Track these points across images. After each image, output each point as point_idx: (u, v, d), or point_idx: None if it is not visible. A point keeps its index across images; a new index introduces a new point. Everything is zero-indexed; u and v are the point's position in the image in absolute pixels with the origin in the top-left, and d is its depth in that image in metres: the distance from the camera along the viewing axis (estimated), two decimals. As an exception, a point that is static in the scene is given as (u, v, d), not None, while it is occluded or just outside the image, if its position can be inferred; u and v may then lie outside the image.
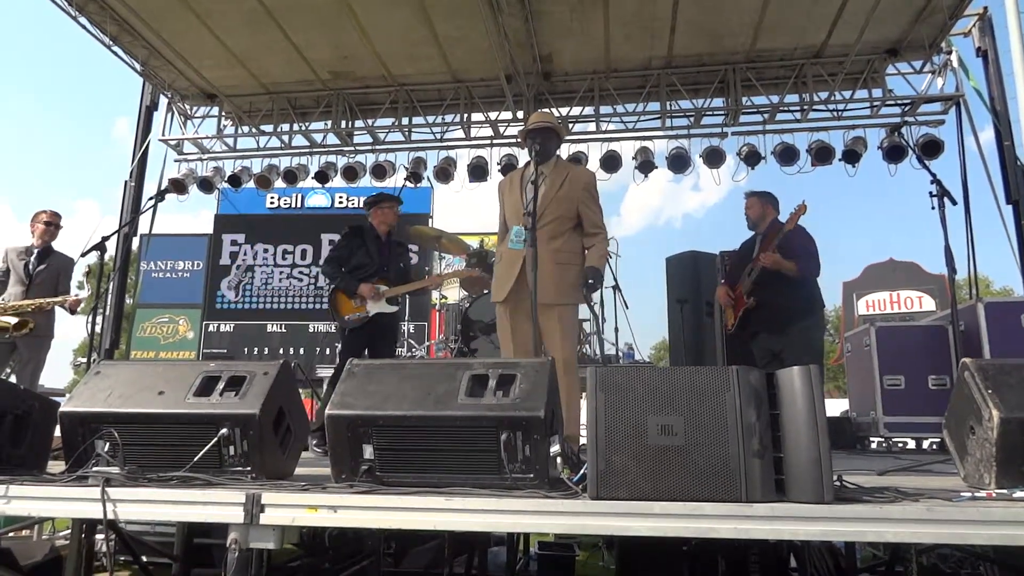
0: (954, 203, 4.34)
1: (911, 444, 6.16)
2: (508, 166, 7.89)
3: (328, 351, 10.44)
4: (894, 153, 7.29)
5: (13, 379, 5.44)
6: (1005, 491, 2.17)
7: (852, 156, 7.46)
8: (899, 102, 7.52)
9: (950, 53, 7.24)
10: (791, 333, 4.82)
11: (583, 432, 3.78)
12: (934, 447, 5.86)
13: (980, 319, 5.52)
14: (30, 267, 5.68)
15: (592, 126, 8.03)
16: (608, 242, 4.31)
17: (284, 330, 11.16)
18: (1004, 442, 2.26)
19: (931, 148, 7.10)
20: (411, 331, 8.88)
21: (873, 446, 6.31)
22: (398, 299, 5.42)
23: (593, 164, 7.73)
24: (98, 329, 5.36)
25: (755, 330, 5.04)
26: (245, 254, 11.63)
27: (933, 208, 4.36)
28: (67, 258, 5.91)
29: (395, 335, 5.60)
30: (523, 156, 7.28)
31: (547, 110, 7.58)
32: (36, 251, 5.75)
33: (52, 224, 5.86)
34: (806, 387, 2.09)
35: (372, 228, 5.43)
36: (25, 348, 5.50)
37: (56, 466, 2.87)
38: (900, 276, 13.13)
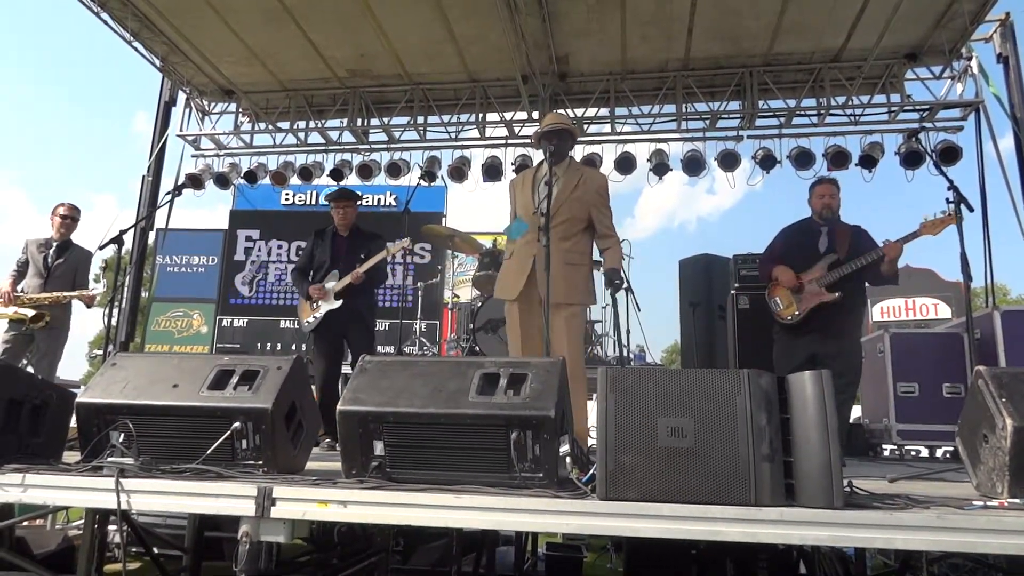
0: (971, 210, 4.29)
1: (924, 452, 6.11)
2: (522, 166, 7.90)
3: (340, 348, 10.46)
4: (911, 159, 7.23)
5: (30, 370, 5.50)
6: (1018, 500, 2.16)
7: (869, 161, 7.41)
8: (917, 108, 7.46)
9: (970, 59, 7.17)
10: (844, 338, 4.65)
11: (592, 433, 3.79)
12: (947, 456, 5.80)
13: (996, 327, 5.46)
14: (49, 260, 5.71)
15: (607, 127, 8.03)
16: (619, 244, 4.30)
17: (296, 326, 11.21)
18: (1018, 451, 2.24)
19: (949, 154, 7.03)
20: (423, 329, 8.90)
21: (885, 453, 6.26)
22: (376, 295, 5.31)
23: (608, 165, 7.74)
24: (114, 322, 5.39)
25: (814, 327, 4.69)
26: (259, 250, 11.70)
27: (949, 215, 4.32)
28: (86, 252, 5.93)
29: (359, 329, 5.16)
30: (537, 156, 7.29)
31: (561, 111, 7.58)
32: (55, 244, 5.78)
33: (69, 217, 5.87)
34: (817, 392, 2.08)
35: (333, 226, 5.35)
36: (42, 340, 5.56)
37: (71, 456, 2.91)
38: (916, 283, 13.03)
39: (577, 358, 4.00)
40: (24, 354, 5.60)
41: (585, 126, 8.02)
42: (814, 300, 4.66)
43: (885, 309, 13.31)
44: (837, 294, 4.61)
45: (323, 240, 5.32)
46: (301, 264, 5.42)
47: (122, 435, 2.60)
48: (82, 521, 2.80)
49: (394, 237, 5.53)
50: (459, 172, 8.23)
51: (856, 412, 7.35)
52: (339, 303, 5.07)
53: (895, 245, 4.53)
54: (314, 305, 5.13)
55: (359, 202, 5.48)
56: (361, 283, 5.07)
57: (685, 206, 71.18)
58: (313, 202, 12.22)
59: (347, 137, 8.59)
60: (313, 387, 5.70)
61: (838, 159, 7.43)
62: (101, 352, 6.48)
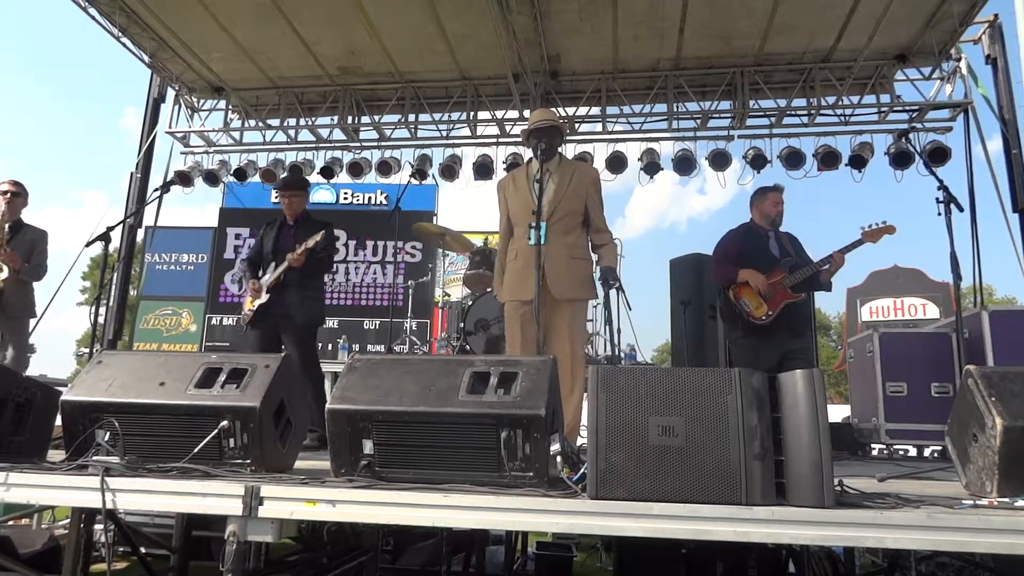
0: (961, 210, 4.32)
1: (912, 451, 6.14)
2: (513, 164, 7.89)
3: (330, 347, 10.43)
4: (901, 159, 7.28)
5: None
6: (1007, 499, 2.16)
7: (858, 161, 7.45)
8: (907, 108, 7.50)
9: (959, 60, 7.22)
10: (806, 337, 4.88)
11: (582, 431, 3.79)
12: (935, 455, 5.84)
13: (984, 327, 5.49)
14: (6, 241, 5.29)
15: (598, 126, 8.04)
16: (614, 242, 4.34)
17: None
18: (1007, 450, 2.24)
19: (938, 155, 7.08)
20: (413, 328, 8.87)
21: (874, 453, 6.29)
22: (315, 287, 5.09)
23: (599, 164, 7.73)
24: (101, 320, 5.27)
25: (783, 327, 4.82)
26: (249, 248, 11.63)
27: (939, 214, 4.34)
28: (39, 231, 5.54)
29: (289, 327, 4.85)
30: (528, 155, 7.28)
31: (548, 108, 7.57)
32: (6, 226, 5.33)
33: (10, 192, 5.36)
34: (808, 390, 2.08)
35: (282, 216, 5.20)
36: (5, 331, 5.26)
37: (56, 455, 2.88)
38: (904, 283, 13.08)
39: (581, 354, 4.04)
40: None
41: (576, 125, 8.02)
42: (782, 300, 4.81)
43: (874, 309, 13.35)
44: (802, 294, 4.84)
45: (270, 231, 5.18)
46: (250, 255, 5.26)
47: (108, 433, 2.57)
48: (68, 520, 2.77)
49: (385, 235, 5.46)
50: (450, 170, 8.21)
51: (845, 411, 7.38)
52: (263, 299, 4.86)
53: (840, 255, 4.80)
54: (253, 297, 4.97)
55: (306, 190, 5.34)
56: (294, 273, 4.83)
57: (676, 206, 71.38)
58: (303, 200, 12.16)
59: (338, 135, 8.56)
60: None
61: (828, 159, 7.47)
62: (88, 350, 6.37)
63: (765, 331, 4.81)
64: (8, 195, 5.37)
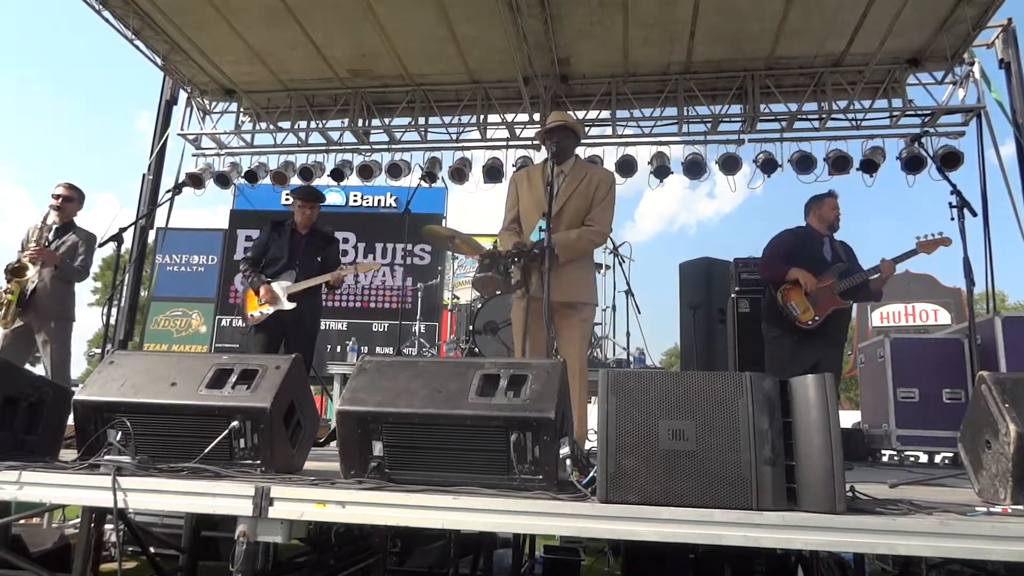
0: (974, 214, 4.29)
1: (923, 458, 6.10)
2: (523, 168, 7.88)
3: (339, 348, 10.46)
4: (913, 164, 7.24)
5: (40, 367, 5.26)
6: (1021, 507, 2.14)
7: (870, 166, 7.42)
8: (919, 112, 7.46)
9: (972, 64, 7.18)
10: (840, 346, 4.89)
11: (592, 435, 3.77)
12: (946, 461, 5.80)
13: (997, 333, 5.45)
14: (47, 243, 5.33)
15: (608, 130, 8.03)
16: (599, 238, 4.14)
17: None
18: (1021, 457, 2.22)
19: (950, 160, 7.03)
20: (422, 331, 8.88)
21: (885, 459, 6.25)
22: (323, 297, 5.33)
23: (608, 168, 7.71)
24: (112, 321, 5.26)
25: (825, 332, 4.79)
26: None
27: (952, 219, 4.31)
28: (87, 232, 5.53)
29: (305, 332, 5.18)
30: (538, 158, 7.28)
31: (564, 112, 7.58)
32: (54, 228, 5.41)
33: (63, 197, 5.42)
34: (820, 396, 2.07)
35: (292, 222, 5.33)
36: (45, 332, 5.21)
37: (68, 454, 2.89)
38: (915, 288, 13.02)
39: (585, 357, 4.01)
40: (28, 352, 5.31)
41: (586, 128, 8.01)
42: (830, 306, 4.75)
43: (885, 315, 13.30)
44: (850, 302, 4.79)
45: (280, 235, 5.28)
46: (254, 255, 5.34)
47: (119, 433, 2.58)
48: (79, 519, 2.79)
49: (394, 238, 5.49)
50: (460, 173, 8.23)
51: (856, 417, 7.35)
52: (290, 306, 5.04)
53: (890, 264, 4.75)
54: (262, 300, 5.08)
55: (321, 203, 5.52)
56: (319, 285, 5.11)
57: (685, 209, 71.34)
58: (313, 202, 12.20)
59: (348, 137, 8.59)
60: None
61: (839, 163, 7.43)
62: (99, 351, 6.39)
63: (807, 334, 4.76)
64: (60, 199, 5.43)
